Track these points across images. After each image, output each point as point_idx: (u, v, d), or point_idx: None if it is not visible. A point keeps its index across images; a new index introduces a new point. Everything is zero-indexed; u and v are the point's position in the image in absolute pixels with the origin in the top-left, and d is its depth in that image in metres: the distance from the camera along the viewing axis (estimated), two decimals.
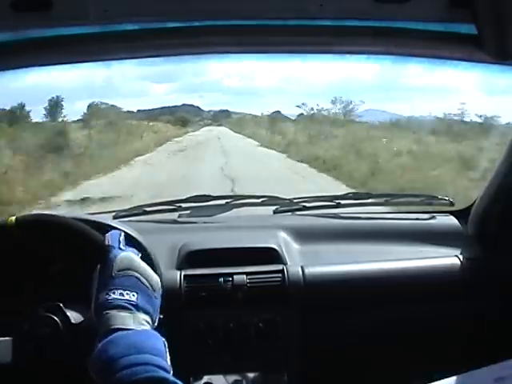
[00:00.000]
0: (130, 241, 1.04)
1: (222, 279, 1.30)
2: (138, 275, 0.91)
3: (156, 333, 0.86)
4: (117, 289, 0.88)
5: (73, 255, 1.04)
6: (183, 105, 10.65)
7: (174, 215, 1.65)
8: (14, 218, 1.04)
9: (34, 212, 1.10)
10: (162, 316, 0.94)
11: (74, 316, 0.97)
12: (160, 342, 0.84)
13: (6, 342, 0.95)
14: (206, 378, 1.30)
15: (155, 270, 1.13)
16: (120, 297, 0.87)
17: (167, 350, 0.84)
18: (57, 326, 0.96)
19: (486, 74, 1.23)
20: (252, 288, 1.30)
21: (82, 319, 0.97)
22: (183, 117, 10.42)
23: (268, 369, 1.33)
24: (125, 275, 0.90)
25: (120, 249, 0.95)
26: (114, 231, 1.00)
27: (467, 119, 6.33)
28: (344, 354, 1.41)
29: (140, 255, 0.99)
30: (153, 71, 10.45)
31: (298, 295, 1.32)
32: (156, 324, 0.90)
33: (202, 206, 1.64)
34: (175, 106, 10.51)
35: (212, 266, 1.33)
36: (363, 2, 1.00)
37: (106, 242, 0.96)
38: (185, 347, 1.27)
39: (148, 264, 1.01)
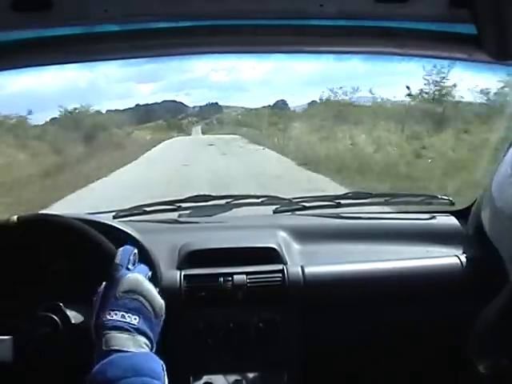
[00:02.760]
0: (131, 241, 1.04)
1: (221, 279, 1.30)
2: (142, 299, 0.90)
3: (155, 356, 0.85)
4: (119, 310, 0.87)
5: (75, 256, 1.04)
6: (163, 102, 9.66)
7: (174, 215, 1.65)
8: (15, 217, 1.04)
9: (36, 212, 1.11)
10: (162, 323, 0.94)
11: (74, 316, 0.97)
12: (158, 365, 0.83)
13: (6, 341, 0.95)
14: (205, 378, 1.31)
15: (155, 270, 1.14)
16: (121, 319, 0.86)
17: (165, 373, 0.83)
18: (57, 325, 0.96)
19: (486, 74, 1.23)
20: (252, 288, 1.30)
21: (82, 319, 0.97)
22: (164, 118, 9.57)
23: (268, 369, 1.33)
24: (128, 297, 0.89)
25: (128, 269, 0.94)
26: (126, 247, 0.98)
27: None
28: (344, 354, 1.41)
29: (149, 275, 0.98)
30: (137, 71, 10.04)
31: (297, 295, 1.32)
32: (154, 349, 0.89)
33: (202, 205, 1.65)
34: (155, 104, 9.54)
35: (212, 265, 1.33)
36: (363, 2, 1.00)
37: (116, 260, 0.94)
38: (185, 347, 1.27)
39: (148, 264, 1.01)
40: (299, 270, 1.34)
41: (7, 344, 0.95)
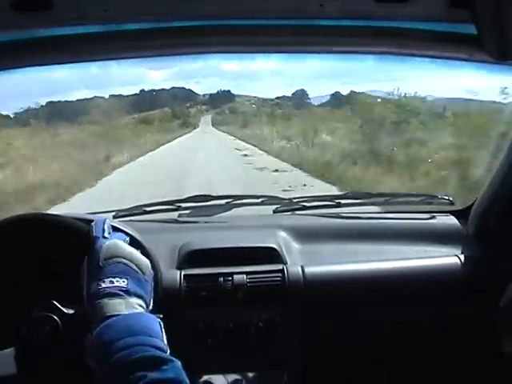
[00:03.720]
0: (131, 241, 1.04)
1: (221, 279, 1.30)
2: (126, 261, 0.91)
3: (150, 314, 0.87)
4: (106, 277, 0.88)
5: (63, 252, 1.05)
6: (172, 88, 8.71)
7: (174, 215, 1.65)
8: (15, 217, 1.04)
9: (20, 213, 1.10)
10: (161, 315, 0.94)
11: (70, 311, 0.98)
12: (155, 323, 0.84)
13: (7, 353, 0.95)
14: (205, 378, 1.31)
15: (155, 270, 1.14)
16: (110, 285, 0.87)
17: (163, 330, 0.84)
18: (55, 322, 0.96)
19: (485, 74, 1.23)
20: (252, 288, 1.30)
21: (79, 312, 0.97)
22: (170, 106, 8.59)
23: (268, 368, 1.33)
24: (112, 263, 0.90)
25: (104, 237, 0.95)
26: (97, 220, 1.00)
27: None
28: (344, 354, 1.41)
29: (127, 239, 0.99)
30: None
31: (297, 295, 1.32)
32: (151, 306, 0.91)
33: (202, 205, 1.64)
34: (162, 90, 8.57)
35: (212, 265, 1.33)
36: (363, 2, 1.00)
37: (91, 233, 0.96)
38: (185, 347, 1.27)
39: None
40: (299, 269, 1.34)
41: (8, 357, 0.95)
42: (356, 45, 1.16)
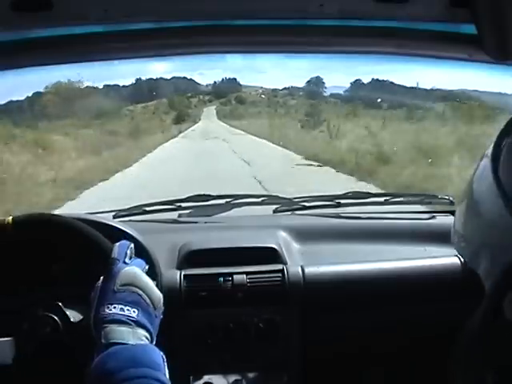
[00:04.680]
0: (131, 241, 1.04)
1: (221, 279, 1.30)
2: (140, 292, 0.90)
3: (154, 347, 0.86)
4: (118, 303, 0.87)
5: (74, 256, 1.04)
6: (173, 78, 7.24)
7: (174, 215, 1.65)
8: (10, 218, 1.04)
9: (32, 212, 1.10)
10: (161, 316, 0.94)
11: (74, 315, 0.98)
12: (158, 356, 0.83)
13: (6, 342, 0.95)
14: (205, 378, 1.31)
15: (155, 270, 1.14)
16: (120, 312, 0.86)
17: (165, 364, 0.83)
18: (57, 325, 0.96)
19: (485, 74, 1.23)
20: (252, 288, 1.30)
21: (82, 317, 0.97)
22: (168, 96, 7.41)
23: (268, 369, 1.33)
24: (127, 290, 0.89)
25: (125, 263, 0.93)
26: (122, 242, 0.98)
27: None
28: (344, 354, 1.41)
29: (146, 268, 0.98)
30: None
31: (297, 295, 1.32)
32: (154, 342, 0.89)
33: (202, 205, 1.65)
34: (160, 79, 7.14)
35: (212, 265, 1.33)
36: (363, 2, 1.00)
37: (113, 254, 0.94)
38: (185, 347, 1.27)
39: (148, 263, 1.01)
40: (299, 269, 1.34)
41: (7, 346, 0.95)
42: (356, 45, 1.16)
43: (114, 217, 1.55)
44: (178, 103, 8.07)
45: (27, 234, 1.05)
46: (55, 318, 0.96)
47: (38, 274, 1.05)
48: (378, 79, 6.08)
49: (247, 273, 1.32)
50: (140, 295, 0.90)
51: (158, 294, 0.94)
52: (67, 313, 0.97)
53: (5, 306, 0.99)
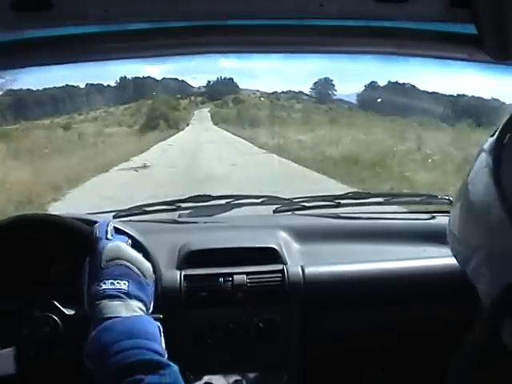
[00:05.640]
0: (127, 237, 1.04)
1: (221, 279, 1.30)
2: (128, 263, 0.91)
3: (149, 318, 0.87)
4: (107, 279, 0.88)
5: (65, 253, 1.05)
6: (163, 79, 6.31)
7: (174, 215, 1.65)
8: (15, 217, 1.04)
9: (23, 213, 1.10)
10: (161, 316, 0.94)
11: (71, 312, 0.98)
12: (153, 327, 0.84)
13: (8, 352, 0.95)
14: (206, 378, 1.30)
15: (155, 270, 1.14)
16: (111, 286, 0.87)
17: (161, 334, 0.84)
18: (56, 323, 0.96)
19: (485, 74, 1.23)
20: (252, 288, 1.30)
21: (79, 314, 0.97)
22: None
23: (268, 369, 1.33)
24: (114, 265, 0.90)
25: (107, 239, 0.95)
26: (101, 221, 1.00)
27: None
28: (344, 354, 1.41)
29: (129, 242, 0.99)
30: None
31: (297, 295, 1.32)
32: (150, 310, 0.91)
33: (202, 205, 1.64)
34: (147, 78, 6.11)
35: (212, 265, 1.33)
36: (363, 2, 1.00)
37: (94, 234, 0.96)
38: (185, 347, 1.27)
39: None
40: (299, 270, 1.34)
41: (9, 356, 0.95)
42: (356, 45, 1.16)
43: (114, 217, 1.55)
44: (164, 104, 6.62)
45: (30, 233, 1.05)
46: (53, 317, 0.96)
47: (33, 274, 1.05)
48: (396, 82, 5.76)
49: (247, 273, 1.32)
50: (128, 267, 0.91)
51: (147, 264, 0.95)
52: (64, 311, 0.97)
53: (5, 306, 0.99)
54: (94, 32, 1.07)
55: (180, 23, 1.07)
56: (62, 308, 0.97)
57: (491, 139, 0.65)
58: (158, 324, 0.86)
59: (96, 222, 1.03)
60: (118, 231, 1.01)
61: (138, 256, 0.95)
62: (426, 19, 1.05)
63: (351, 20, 1.07)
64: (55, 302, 0.97)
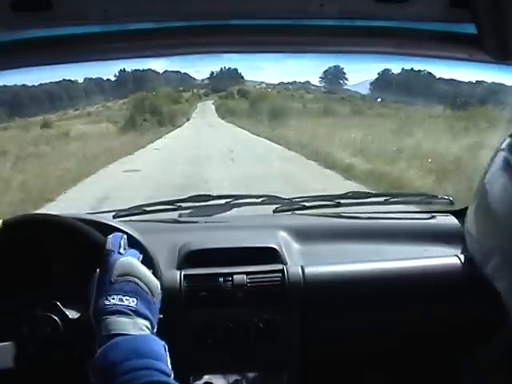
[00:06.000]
0: (131, 241, 1.04)
1: (221, 279, 1.30)
2: (138, 281, 0.91)
3: (156, 337, 0.86)
4: (116, 294, 0.87)
5: (71, 256, 1.04)
6: (165, 72, 5.94)
7: (174, 215, 1.65)
8: (0, 221, 1.04)
9: (26, 213, 1.10)
10: (161, 316, 0.94)
11: (73, 313, 0.98)
12: (160, 347, 0.84)
13: (7, 346, 0.95)
14: (206, 378, 1.31)
15: (155, 270, 1.14)
16: (119, 302, 0.86)
17: (167, 354, 0.84)
18: (56, 324, 0.96)
19: (486, 74, 1.23)
20: (252, 288, 1.30)
21: (80, 314, 0.97)
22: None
23: (268, 369, 1.33)
24: (124, 280, 0.89)
25: (120, 253, 0.94)
26: (115, 234, 0.99)
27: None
28: (344, 354, 1.41)
29: (141, 258, 0.99)
30: None
31: (297, 295, 1.32)
32: (155, 329, 0.90)
33: (202, 205, 1.64)
34: (148, 70, 5.71)
35: (212, 265, 1.33)
36: (363, 2, 1.00)
37: (107, 246, 0.95)
38: (185, 347, 1.27)
39: (148, 264, 1.01)
40: (299, 270, 1.34)
41: (8, 349, 0.94)
42: (356, 45, 1.16)
43: (114, 217, 1.55)
44: (164, 97, 6.19)
45: (30, 233, 1.05)
46: (54, 317, 0.96)
47: (34, 274, 1.05)
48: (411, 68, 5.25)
49: (247, 273, 1.32)
50: (137, 284, 0.90)
51: (156, 282, 0.94)
52: (66, 312, 0.97)
53: (2, 308, 0.99)
54: (94, 32, 1.07)
55: (180, 23, 1.07)
56: (64, 310, 0.97)
57: (509, 139, 0.64)
58: (164, 343, 0.85)
59: (96, 222, 1.03)
60: (129, 245, 1.00)
61: (147, 273, 0.94)
62: (426, 19, 1.05)
63: (351, 20, 1.07)
64: (58, 303, 0.97)
